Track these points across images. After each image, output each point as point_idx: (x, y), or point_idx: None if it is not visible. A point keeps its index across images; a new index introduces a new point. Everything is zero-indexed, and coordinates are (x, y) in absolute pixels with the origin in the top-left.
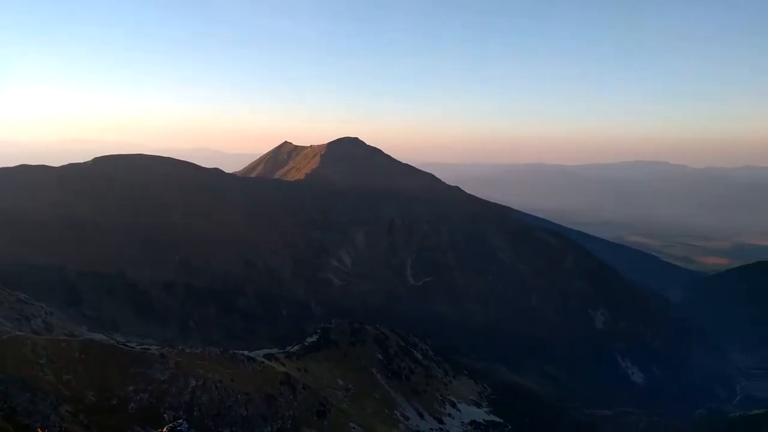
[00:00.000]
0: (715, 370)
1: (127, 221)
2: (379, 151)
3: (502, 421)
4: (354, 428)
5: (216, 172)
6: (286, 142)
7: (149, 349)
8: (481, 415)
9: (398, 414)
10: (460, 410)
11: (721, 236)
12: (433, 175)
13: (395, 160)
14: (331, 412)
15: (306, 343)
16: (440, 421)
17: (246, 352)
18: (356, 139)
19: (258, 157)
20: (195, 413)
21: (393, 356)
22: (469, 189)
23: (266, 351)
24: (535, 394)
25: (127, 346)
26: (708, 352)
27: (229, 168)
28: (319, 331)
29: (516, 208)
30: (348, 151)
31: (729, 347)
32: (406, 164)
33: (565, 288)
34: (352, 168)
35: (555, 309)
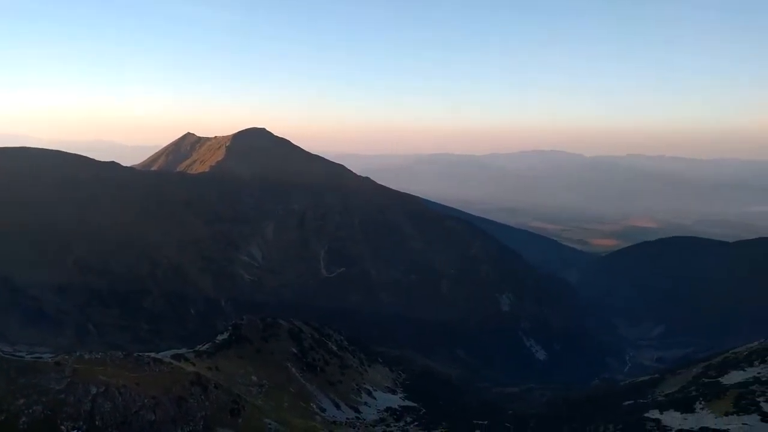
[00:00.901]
0: (607, 344)
1: (11, 221)
2: (288, 142)
3: (416, 405)
4: (270, 424)
5: (112, 165)
6: (188, 133)
7: (41, 358)
8: (396, 401)
9: (314, 406)
10: (375, 398)
11: (612, 220)
12: (343, 166)
13: (305, 151)
14: (245, 410)
15: (217, 341)
16: (356, 410)
17: (152, 354)
18: (263, 129)
19: (158, 150)
20: (97, 422)
21: (308, 349)
22: (379, 179)
23: (174, 351)
24: (448, 377)
25: (14, 356)
26: (602, 327)
27: (127, 161)
28: (230, 328)
29: (425, 197)
30: (255, 143)
31: (619, 321)
32: (317, 155)
33: (472, 274)
34: (260, 159)
35: (464, 294)
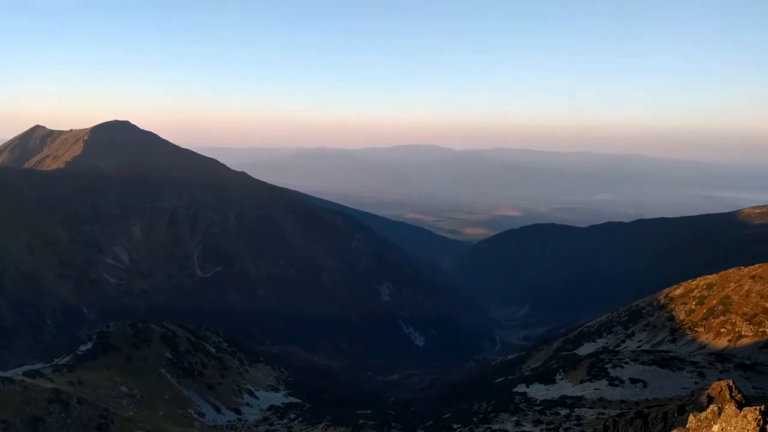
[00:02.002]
0: (480, 326)
1: None
2: (155, 135)
3: (300, 401)
4: None
5: None
6: (38, 126)
7: None
8: (279, 398)
9: (192, 412)
10: (258, 398)
11: (480, 210)
12: (216, 161)
13: (174, 145)
14: (114, 423)
15: (79, 353)
16: (238, 412)
17: (0, 373)
18: (127, 122)
19: (0, 144)
20: None
21: (184, 353)
22: (255, 174)
23: (28, 368)
24: (331, 370)
25: None
26: (474, 311)
27: None
28: (94, 337)
29: (303, 191)
30: (117, 136)
31: (489, 305)
32: (187, 149)
33: (353, 266)
34: (123, 154)
35: (345, 287)
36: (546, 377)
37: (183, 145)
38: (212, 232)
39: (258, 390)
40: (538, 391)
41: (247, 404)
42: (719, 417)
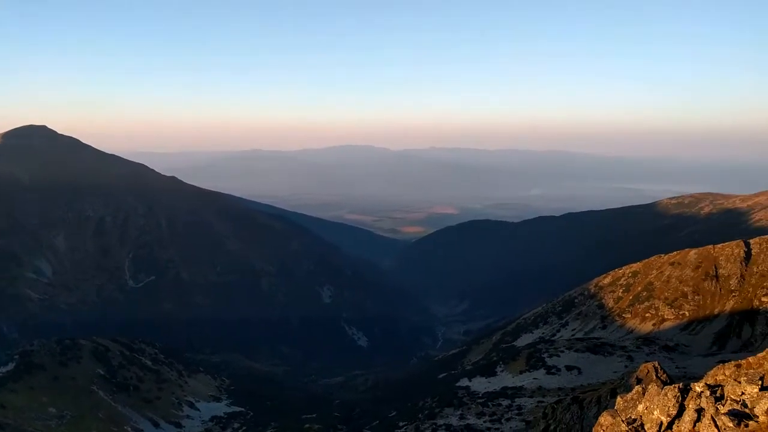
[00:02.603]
0: (422, 323)
1: None
2: (76, 140)
3: (243, 409)
4: None
5: None
6: None
7: None
8: (221, 408)
9: (129, 429)
10: (199, 409)
11: (418, 208)
12: (145, 166)
13: (97, 150)
14: None
15: None
16: (178, 425)
17: None
18: (43, 127)
19: None
20: None
21: (117, 368)
22: (186, 178)
23: None
24: (274, 376)
25: None
26: (415, 309)
27: None
28: (16, 357)
29: (238, 195)
30: (33, 142)
31: (430, 301)
32: (112, 154)
33: (293, 269)
34: (42, 161)
35: (285, 291)
36: (487, 370)
37: (108, 151)
38: (143, 240)
39: (199, 401)
40: (480, 384)
41: (188, 417)
42: (644, 397)
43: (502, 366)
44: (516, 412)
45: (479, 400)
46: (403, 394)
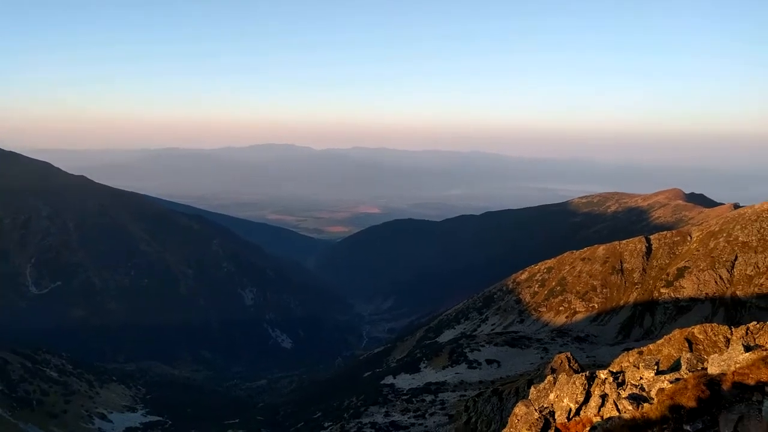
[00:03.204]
0: (347, 323)
1: None
2: None
3: (161, 419)
4: None
5: None
6: None
7: None
8: (137, 419)
9: None
10: (112, 420)
11: (342, 208)
12: (49, 164)
13: None
14: None
15: None
16: None
17: None
18: None
19: None
20: None
21: (18, 382)
22: (97, 177)
23: None
24: (194, 382)
25: None
26: (340, 308)
27: None
28: None
29: (153, 195)
30: None
31: (355, 300)
32: (11, 152)
33: (213, 272)
34: None
35: (205, 294)
36: (411, 367)
37: (7, 148)
38: (48, 244)
39: (112, 412)
40: (405, 381)
41: (99, 429)
42: (554, 386)
43: (426, 362)
44: (439, 406)
45: (404, 397)
46: (328, 394)
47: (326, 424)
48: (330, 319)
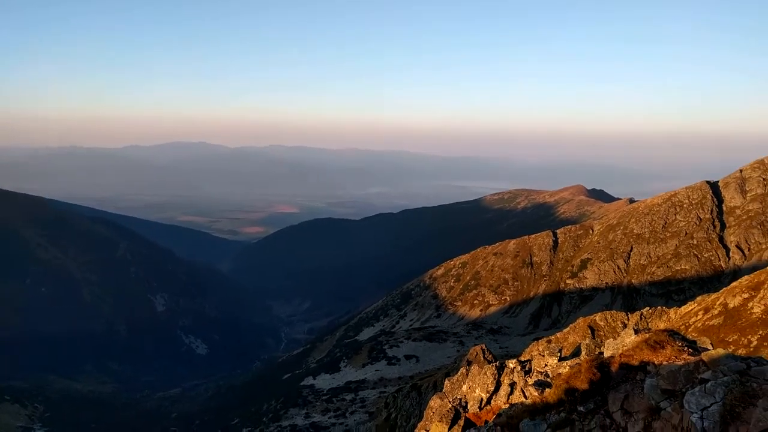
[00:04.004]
0: (265, 325)
1: None
2: None
3: None
4: None
5: None
6: None
7: None
8: None
9: None
10: None
11: (258, 208)
12: None
13: None
14: None
15: None
16: None
17: None
18: None
19: None
20: None
21: None
22: None
23: None
24: (100, 396)
25: None
26: (258, 311)
27: None
28: None
29: (51, 197)
30: None
31: (273, 302)
32: None
33: (120, 278)
34: None
35: (112, 301)
36: (331, 366)
37: None
38: None
39: None
40: (325, 381)
41: None
42: (467, 377)
43: (346, 361)
44: (360, 405)
45: (324, 397)
46: (247, 399)
47: (245, 430)
48: (247, 323)
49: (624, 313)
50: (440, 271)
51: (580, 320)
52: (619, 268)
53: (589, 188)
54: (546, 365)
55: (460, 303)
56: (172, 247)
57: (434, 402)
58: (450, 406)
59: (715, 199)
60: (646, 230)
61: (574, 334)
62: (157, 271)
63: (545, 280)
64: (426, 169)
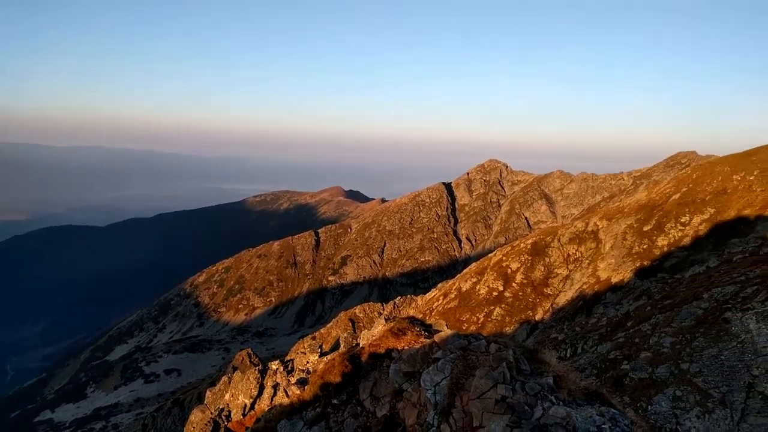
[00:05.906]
0: None
1: None
2: None
3: None
4: None
5: None
6: None
7: None
8: None
9: None
10: None
11: None
12: None
13: None
14: None
15: None
16: None
17: None
18: None
19: None
20: None
21: None
22: None
23: None
24: None
25: None
26: None
27: None
28: None
29: None
30: None
31: None
32: None
33: None
34: None
35: None
36: (75, 394)
37: None
38: None
39: None
40: (68, 412)
41: None
42: (230, 385)
43: (94, 385)
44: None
45: (67, 431)
46: None
47: None
48: None
49: (380, 304)
50: (202, 278)
51: (342, 314)
52: (375, 262)
53: (346, 189)
54: (308, 362)
55: (224, 309)
56: None
57: (194, 416)
58: (209, 418)
59: (449, 198)
60: (396, 227)
61: (336, 328)
62: None
63: (309, 279)
64: (184, 170)
